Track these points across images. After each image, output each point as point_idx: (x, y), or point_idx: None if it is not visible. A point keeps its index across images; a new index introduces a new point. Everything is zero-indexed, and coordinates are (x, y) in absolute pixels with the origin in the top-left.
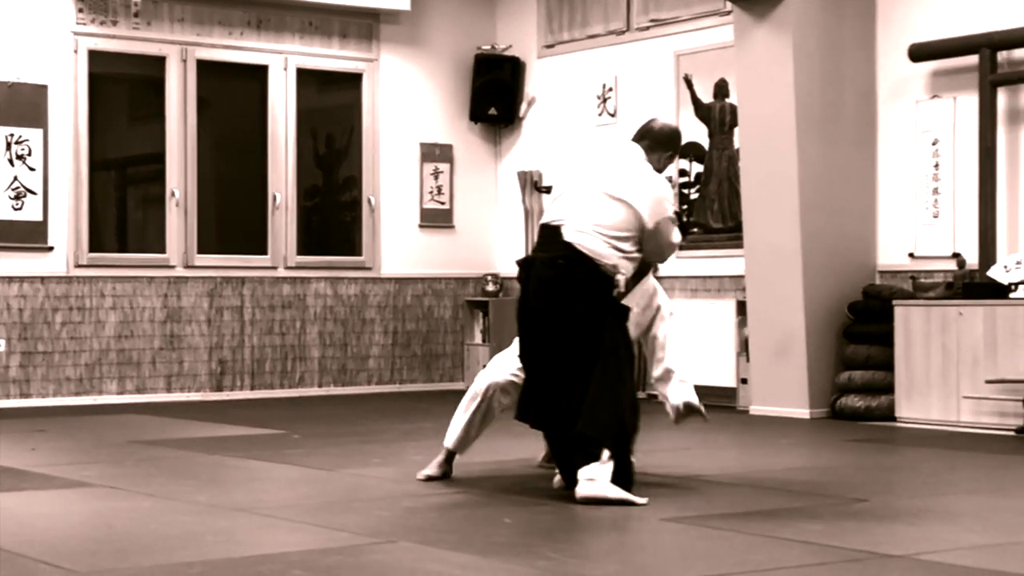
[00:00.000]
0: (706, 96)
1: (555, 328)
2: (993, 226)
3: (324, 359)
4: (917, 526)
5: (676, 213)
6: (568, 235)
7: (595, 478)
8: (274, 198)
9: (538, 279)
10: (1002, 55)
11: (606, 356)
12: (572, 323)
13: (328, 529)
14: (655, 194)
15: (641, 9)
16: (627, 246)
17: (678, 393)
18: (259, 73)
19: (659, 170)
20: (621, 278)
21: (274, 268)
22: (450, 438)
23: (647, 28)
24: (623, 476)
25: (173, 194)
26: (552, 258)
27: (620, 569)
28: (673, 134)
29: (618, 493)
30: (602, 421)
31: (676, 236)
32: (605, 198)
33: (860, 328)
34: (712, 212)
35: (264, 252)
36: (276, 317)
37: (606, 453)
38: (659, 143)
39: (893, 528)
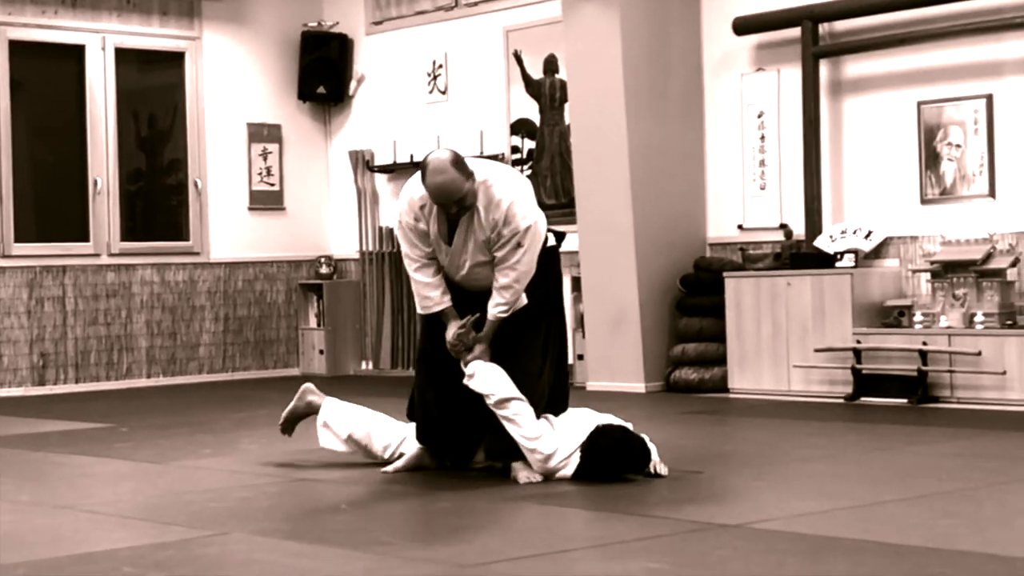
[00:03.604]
0: (536, 72)
1: None
2: (818, 197)
3: (152, 348)
4: (751, 496)
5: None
6: None
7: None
8: (95, 183)
9: None
10: (824, 27)
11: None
12: None
13: (158, 524)
14: None
15: None
16: None
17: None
18: (75, 53)
19: None
20: None
21: (97, 256)
22: None
23: (475, 4)
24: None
25: None
26: None
27: (461, 549)
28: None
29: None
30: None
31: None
32: None
33: (692, 301)
34: (545, 188)
35: (86, 239)
36: (100, 307)
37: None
38: None
39: (728, 498)
